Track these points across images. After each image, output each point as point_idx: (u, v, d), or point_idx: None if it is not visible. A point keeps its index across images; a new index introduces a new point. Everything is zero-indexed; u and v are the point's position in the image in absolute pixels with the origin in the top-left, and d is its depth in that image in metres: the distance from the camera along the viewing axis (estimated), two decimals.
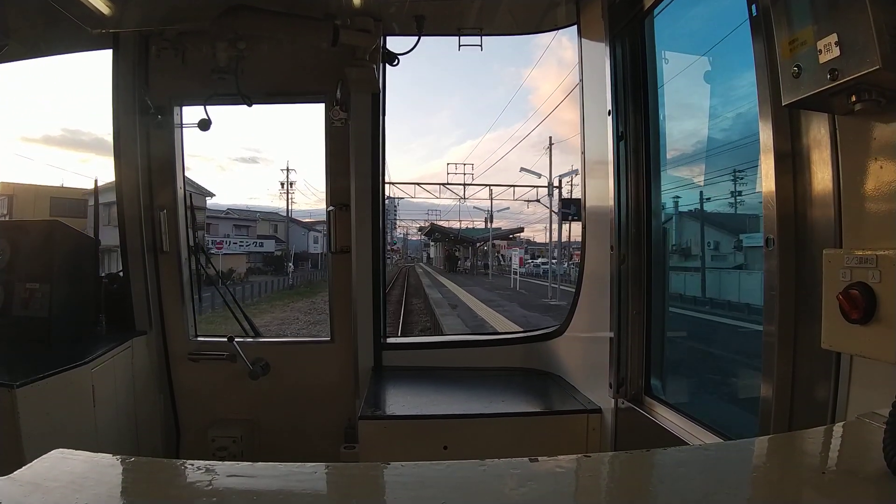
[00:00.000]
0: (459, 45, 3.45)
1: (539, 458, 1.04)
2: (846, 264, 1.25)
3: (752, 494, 1.02)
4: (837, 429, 1.26)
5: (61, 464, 1.01)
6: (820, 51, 1.23)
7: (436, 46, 3.31)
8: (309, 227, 68.77)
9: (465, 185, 47.93)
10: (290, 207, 59.59)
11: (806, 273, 1.52)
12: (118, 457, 1.04)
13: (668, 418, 2.35)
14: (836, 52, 1.19)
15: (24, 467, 0.96)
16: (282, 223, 61.67)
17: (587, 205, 3.09)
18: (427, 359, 3.65)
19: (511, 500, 0.97)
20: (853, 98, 1.22)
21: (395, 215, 76.91)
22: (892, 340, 1.14)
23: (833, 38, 1.19)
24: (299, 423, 3.60)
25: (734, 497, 0.99)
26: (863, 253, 1.22)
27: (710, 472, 1.10)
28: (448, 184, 47.85)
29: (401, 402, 3.13)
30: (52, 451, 1.03)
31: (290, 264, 54.01)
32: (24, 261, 3.14)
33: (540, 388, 3.32)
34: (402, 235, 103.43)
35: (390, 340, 3.67)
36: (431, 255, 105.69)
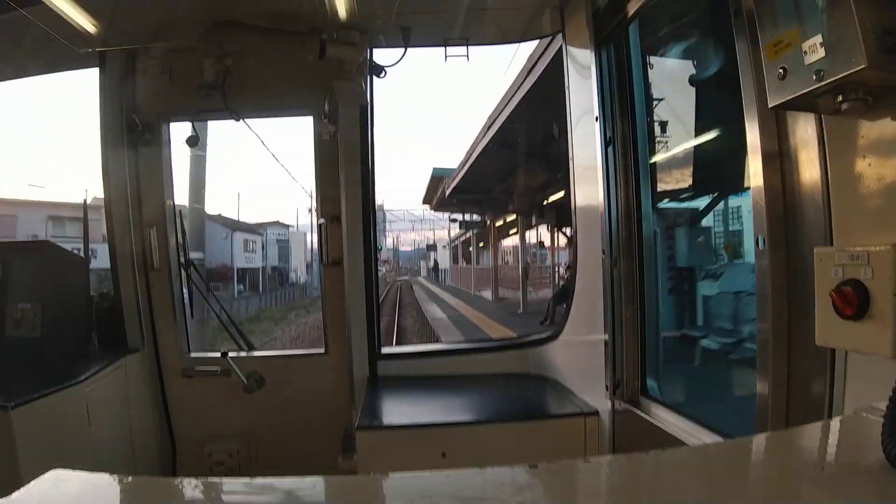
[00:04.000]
0: (446, 56, 3.47)
1: (538, 465, 1.04)
2: (838, 262, 1.26)
3: (753, 492, 1.02)
4: (835, 424, 1.27)
5: (58, 485, 1.00)
6: (805, 52, 1.24)
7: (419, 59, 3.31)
8: (233, 226, 44.13)
9: None
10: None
11: (798, 271, 1.53)
12: (115, 476, 1.03)
13: (665, 418, 2.36)
14: (821, 52, 1.20)
15: (21, 490, 0.95)
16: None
17: (578, 210, 3.11)
18: (422, 368, 3.64)
19: None
20: (840, 98, 1.23)
21: (385, 224, 58.63)
22: (888, 335, 1.15)
23: (818, 38, 1.21)
24: (296, 436, 3.58)
25: (735, 495, 0.99)
26: (854, 250, 1.23)
27: (711, 472, 1.11)
28: None
29: (397, 411, 3.12)
30: (49, 472, 1.02)
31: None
32: (14, 281, 3.11)
33: (536, 393, 3.32)
34: (391, 247, 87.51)
35: (385, 350, 3.65)
36: (442, 265, 66.18)
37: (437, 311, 25.59)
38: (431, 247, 69.77)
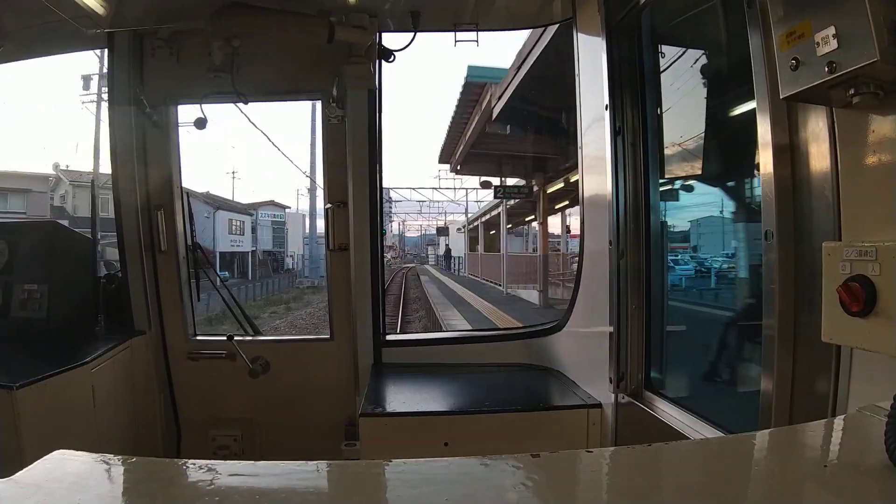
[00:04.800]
0: (455, 41, 3.44)
1: (541, 454, 1.04)
2: (846, 257, 1.25)
3: (754, 488, 1.02)
4: (838, 422, 1.26)
5: (63, 465, 1.01)
6: (818, 43, 1.22)
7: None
8: (217, 204, 38.86)
9: None
10: None
11: (805, 266, 1.52)
12: (119, 457, 1.04)
13: (668, 412, 2.36)
14: (833, 44, 1.18)
15: (25, 469, 0.95)
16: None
17: (585, 200, 3.08)
18: (427, 355, 3.65)
19: (513, 497, 0.97)
20: (851, 91, 1.21)
21: (391, 204, 48.95)
22: (893, 333, 1.14)
23: (831, 30, 1.19)
24: (300, 421, 3.60)
25: (736, 491, 0.99)
26: (862, 245, 1.22)
27: (712, 466, 1.10)
28: None
29: (401, 398, 3.13)
30: (54, 452, 1.02)
31: None
32: (21, 262, 3.14)
33: (540, 384, 3.32)
34: (397, 233, 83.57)
35: (390, 337, 3.66)
36: (455, 251, 55.60)
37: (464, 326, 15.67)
38: (442, 230, 61.10)
